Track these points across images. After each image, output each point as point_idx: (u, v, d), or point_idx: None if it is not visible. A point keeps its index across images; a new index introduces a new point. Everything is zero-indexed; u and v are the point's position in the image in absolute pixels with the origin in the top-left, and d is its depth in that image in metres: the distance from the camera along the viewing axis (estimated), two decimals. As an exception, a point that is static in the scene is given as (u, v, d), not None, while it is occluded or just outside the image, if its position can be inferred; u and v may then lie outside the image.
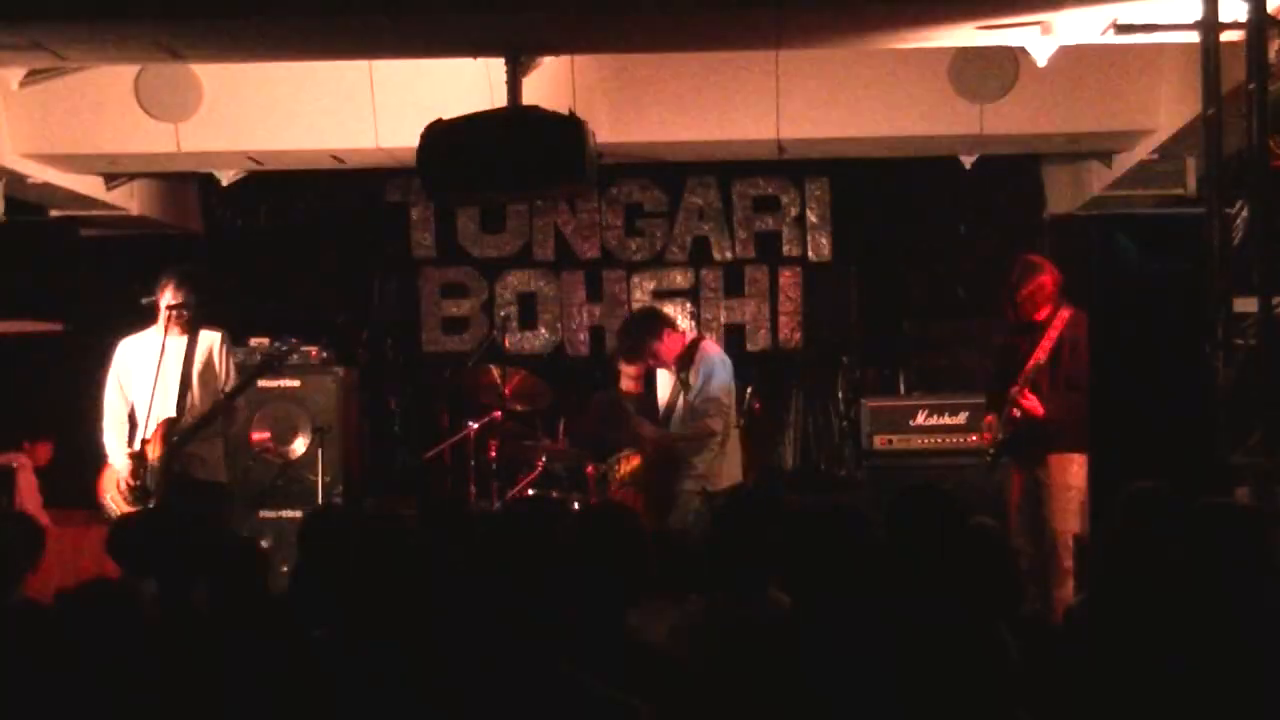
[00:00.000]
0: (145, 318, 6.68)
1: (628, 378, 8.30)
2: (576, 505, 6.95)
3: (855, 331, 9.47)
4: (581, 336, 9.70)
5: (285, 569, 5.78)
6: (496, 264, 9.67)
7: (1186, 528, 3.53)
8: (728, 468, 7.31)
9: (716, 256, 9.58)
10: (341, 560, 3.78)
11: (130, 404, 6.56)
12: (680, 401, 7.29)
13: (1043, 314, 6.67)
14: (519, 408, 8.06)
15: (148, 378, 6.46)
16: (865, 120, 7.44)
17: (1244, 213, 4.94)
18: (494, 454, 7.78)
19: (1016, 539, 6.35)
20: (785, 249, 9.57)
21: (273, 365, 6.97)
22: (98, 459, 6.68)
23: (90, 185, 8.22)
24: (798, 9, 5.54)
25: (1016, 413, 6.61)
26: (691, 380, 7.22)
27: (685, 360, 7.28)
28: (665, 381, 7.51)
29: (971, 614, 2.88)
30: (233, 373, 6.69)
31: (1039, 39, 5.83)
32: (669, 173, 9.35)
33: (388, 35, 5.94)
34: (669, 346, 7.30)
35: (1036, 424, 6.57)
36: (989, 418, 6.88)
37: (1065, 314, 6.64)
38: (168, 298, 6.52)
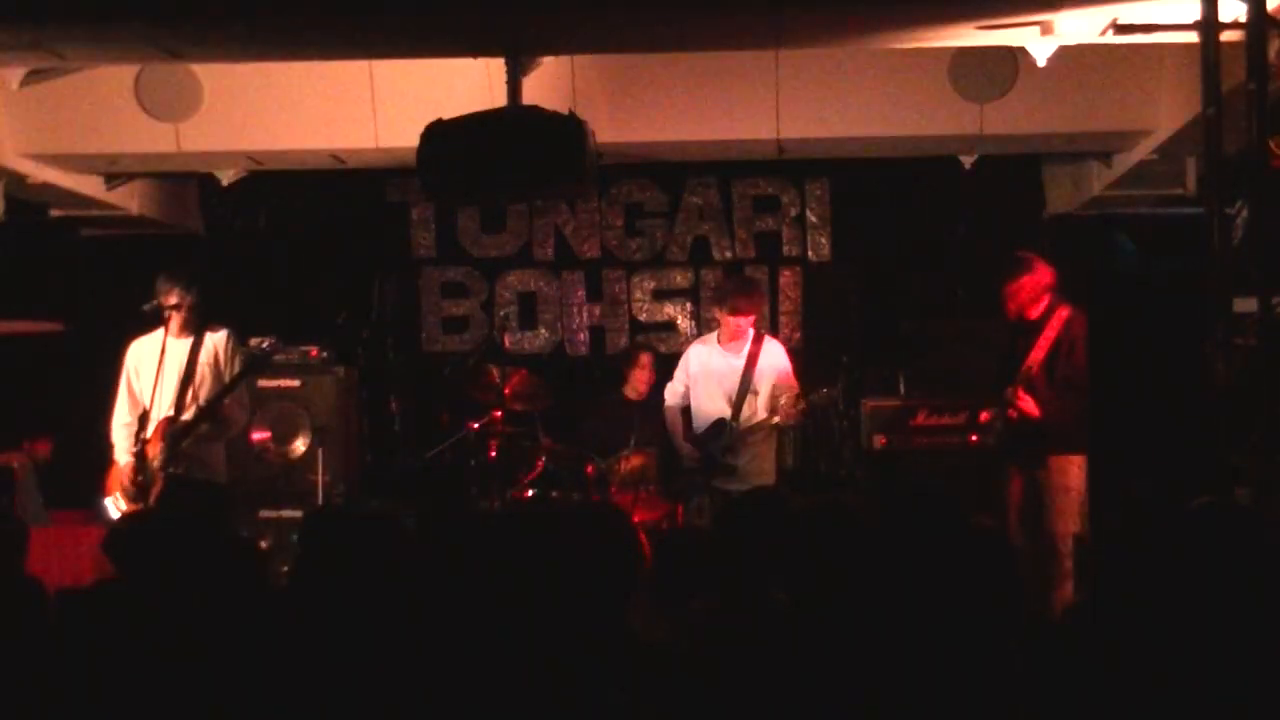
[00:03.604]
0: (149, 319, 6.69)
1: (633, 389, 8.31)
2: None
3: (855, 331, 9.46)
4: (581, 336, 9.70)
5: (285, 569, 5.78)
6: (496, 264, 9.67)
7: (1186, 528, 3.53)
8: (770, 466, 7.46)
9: (716, 256, 9.57)
10: (341, 560, 3.77)
11: (140, 403, 6.58)
12: (755, 381, 7.32)
13: (1034, 312, 6.66)
14: (519, 408, 8.05)
15: (153, 378, 6.47)
16: (865, 120, 7.45)
17: (1244, 213, 4.94)
18: (494, 454, 7.77)
19: (1016, 539, 6.35)
20: (785, 249, 9.57)
21: (256, 369, 6.90)
22: (98, 459, 6.69)
23: (90, 185, 8.23)
24: (798, 9, 5.54)
25: (1013, 413, 6.60)
26: (762, 361, 7.31)
27: (756, 340, 7.40)
28: (713, 360, 7.49)
29: (971, 615, 2.88)
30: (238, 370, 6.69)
31: (1039, 39, 5.83)
32: (669, 173, 9.35)
33: (388, 35, 5.94)
34: (754, 321, 7.58)
35: (1034, 424, 6.56)
36: (984, 415, 6.86)
37: (1063, 314, 6.62)
38: (170, 299, 6.53)
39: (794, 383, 7.40)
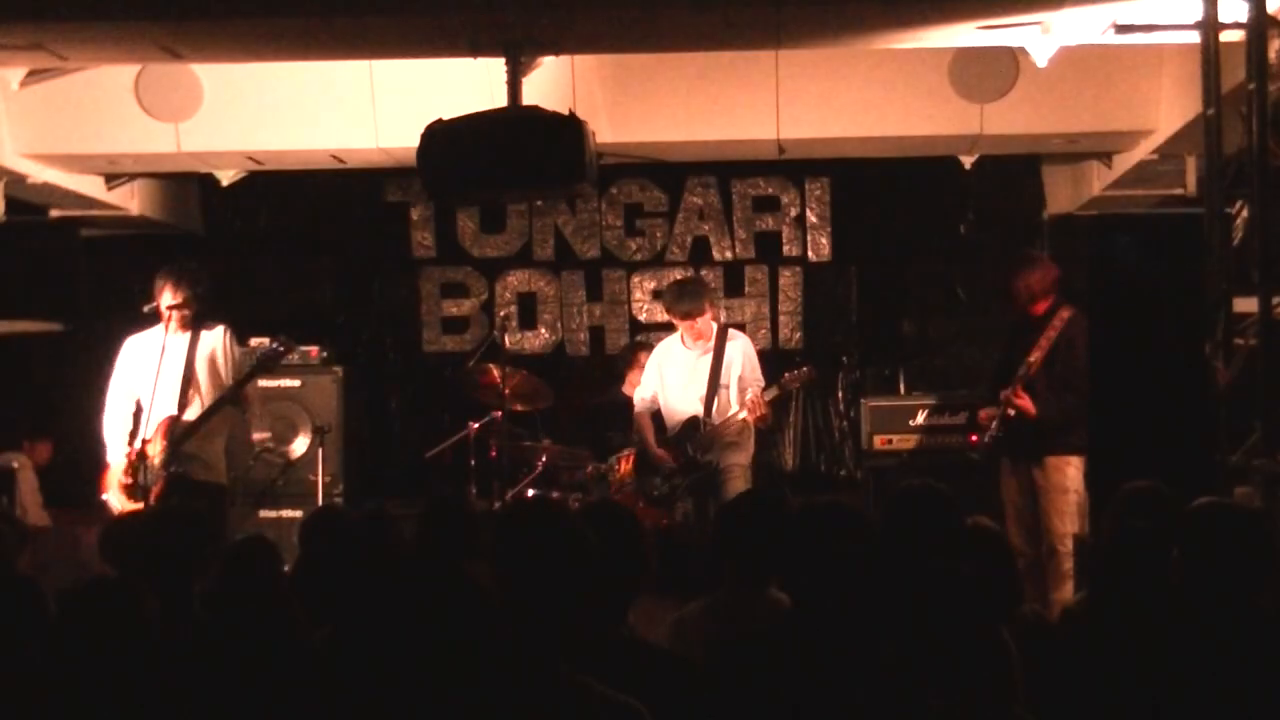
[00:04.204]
0: (149, 320, 6.70)
1: (631, 387, 8.30)
2: (576, 505, 6.95)
3: (855, 331, 9.47)
4: (581, 336, 9.70)
5: (285, 569, 5.78)
6: (496, 264, 9.68)
7: (1185, 528, 3.53)
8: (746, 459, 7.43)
9: (716, 256, 9.58)
10: (341, 560, 3.78)
11: (137, 402, 6.58)
12: (723, 376, 7.30)
13: (1038, 310, 6.66)
14: (519, 408, 8.06)
15: (151, 376, 6.48)
16: (865, 120, 7.44)
17: (1244, 213, 4.94)
18: (494, 454, 7.77)
19: (1015, 539, 6.34)
20: (785, 249, 9.57)
21: (267, 366, 6.91)
22: (98, 459, 6.69)
23: (90, 185, 8.22)
24: (798, 9, 5.54)
25: (1011, 412, 6.60)
26: (728, 355, 7.31)
27: (720, 335, 7.34)
28: (679, 359, 7.47)
29: (971, 614, 2.88)
30: (240, 363, 6.70)
31: (1039, 39, 5.83)
32: (669, 173, 9.35)
33: (389, 35, 5.94)
34: (712, 316, 7.45)
35: (1031, 423, 6.56)
36: (983, 415, 6.86)
37: (1065, 314, 6.63)
38: (166, 298, 6.54)
39: (759, 376, 7.36)
